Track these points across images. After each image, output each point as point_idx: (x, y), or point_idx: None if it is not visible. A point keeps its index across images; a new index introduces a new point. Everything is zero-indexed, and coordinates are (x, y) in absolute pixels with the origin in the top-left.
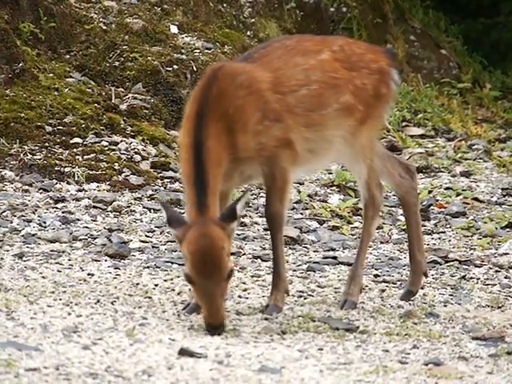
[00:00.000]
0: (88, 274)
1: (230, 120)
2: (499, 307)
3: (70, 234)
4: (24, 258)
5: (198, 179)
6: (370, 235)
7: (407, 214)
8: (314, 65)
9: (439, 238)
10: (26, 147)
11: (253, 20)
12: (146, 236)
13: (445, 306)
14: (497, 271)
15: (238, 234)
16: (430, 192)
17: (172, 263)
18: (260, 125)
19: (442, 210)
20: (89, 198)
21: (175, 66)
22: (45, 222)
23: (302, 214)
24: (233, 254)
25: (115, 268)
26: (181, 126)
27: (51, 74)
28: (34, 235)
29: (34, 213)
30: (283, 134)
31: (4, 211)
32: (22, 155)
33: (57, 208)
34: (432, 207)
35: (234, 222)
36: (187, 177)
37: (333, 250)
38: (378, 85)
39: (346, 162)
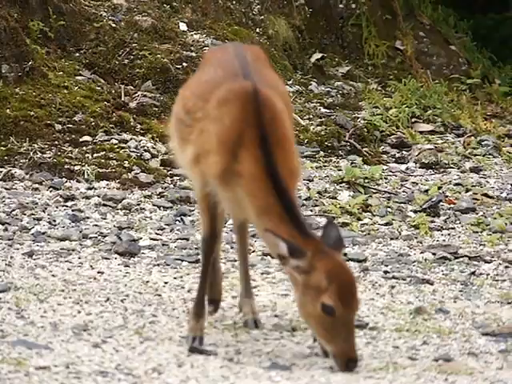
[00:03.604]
0: (98, 272)
1: (285, 145)
2: (509, 303)
3: (80, 232)
4: (34, 257)
5: (288, 209)
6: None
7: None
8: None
9: (449, 234)
10: (35, 145)
11: (262, 17)
12: (156, 234)
13: (454, 302)
14: (506, 267)
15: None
16: (439, 188)
17: (182, 261)
18: None
19: (452, 205)
20: (98, 196)
21: (184, 64)
22: (54, 221)
23: (311, 210)
24: None
25: (125, 266)
26: (234, 153)
27: (61, 72)
28: (43, 233)
29: (43, 211)
30: None
31: (14, 210)
32: (31, 153)
33: (66, 206)
34: (441, 203)
35: (341, 252)
36: (272, 208)
37: None
38: None
39: None
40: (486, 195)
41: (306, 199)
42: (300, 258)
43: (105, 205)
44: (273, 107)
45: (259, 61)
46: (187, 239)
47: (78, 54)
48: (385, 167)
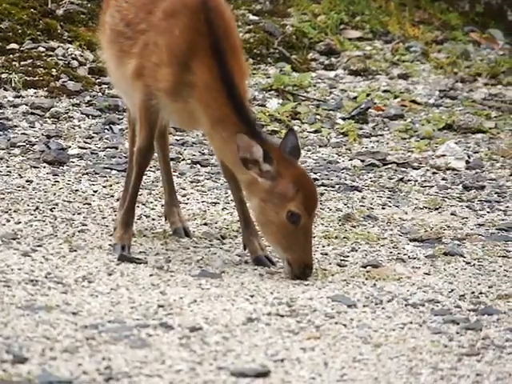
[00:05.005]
0: (26, 181)
1: (237, 52)
2: (436, 209)
3: (8, 140)
4: None
5: (246, 118)
6: None
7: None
8: None
9: (377, 141)
10: None
11: None
12: (85, 142)
13: (383, 208)
14: (434, 173)
15: (177, 140)
16: (367, 95)
17: (111, 169)
18: None
19: (380, 112)
20: (26, 105)
21: None
22: None
23: None
24: (172, 159)
25: (54, 175)
26: (186, 64)
27: None
28: None
29: None
30: None
31: None
32: None
33: None
34: (370, 110)
35: (298, 161)
36: (228, 118)
37: None
38: None
39: None
40: (414, 102)
41: None
42: (270, 163)
43: (33, 113)
44: (223, 15)
45: None
46: (116, 148)
47: None
48: (313, 74)
